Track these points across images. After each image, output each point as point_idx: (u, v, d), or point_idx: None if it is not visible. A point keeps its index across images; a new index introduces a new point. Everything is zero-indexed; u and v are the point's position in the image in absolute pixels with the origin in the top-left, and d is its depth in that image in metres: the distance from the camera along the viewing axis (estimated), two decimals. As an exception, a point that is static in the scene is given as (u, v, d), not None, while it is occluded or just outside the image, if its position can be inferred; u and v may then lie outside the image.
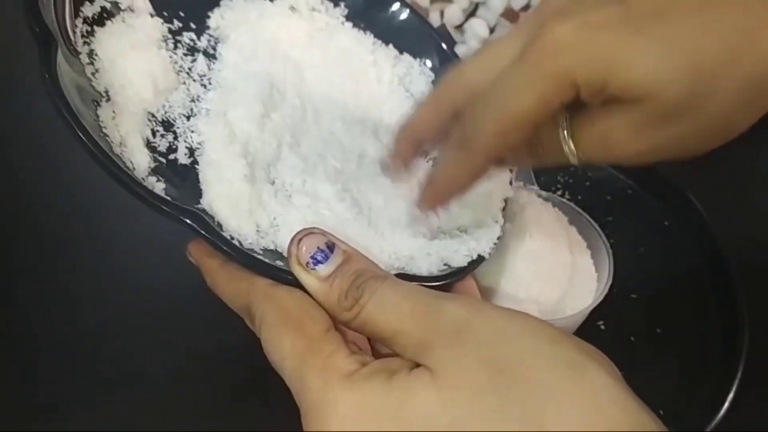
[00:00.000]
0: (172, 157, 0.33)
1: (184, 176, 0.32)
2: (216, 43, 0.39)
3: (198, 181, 0.33)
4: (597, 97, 0.27)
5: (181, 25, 0.38)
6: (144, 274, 0.50)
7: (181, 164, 0.33)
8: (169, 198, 0.29)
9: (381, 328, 0.25)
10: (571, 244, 0.45)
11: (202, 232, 0.28)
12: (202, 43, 0.38)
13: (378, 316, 0.25)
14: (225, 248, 0.29)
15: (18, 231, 0.52)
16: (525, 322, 0.25)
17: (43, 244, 0.52)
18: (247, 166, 0.33)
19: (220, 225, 0.31)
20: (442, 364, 0.24)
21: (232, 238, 0.30)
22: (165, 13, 0.37)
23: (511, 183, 0.39)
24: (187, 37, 0.38)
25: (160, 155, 0.32)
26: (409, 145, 0.33)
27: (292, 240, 0.28)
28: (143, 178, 0.30)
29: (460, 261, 0.34)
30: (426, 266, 0.33)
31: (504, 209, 0.38)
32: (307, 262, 0.27)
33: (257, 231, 0.32)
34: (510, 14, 0.69)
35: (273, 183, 0.34)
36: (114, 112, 0.31)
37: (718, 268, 0.51)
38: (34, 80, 0.28)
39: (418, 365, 0.24)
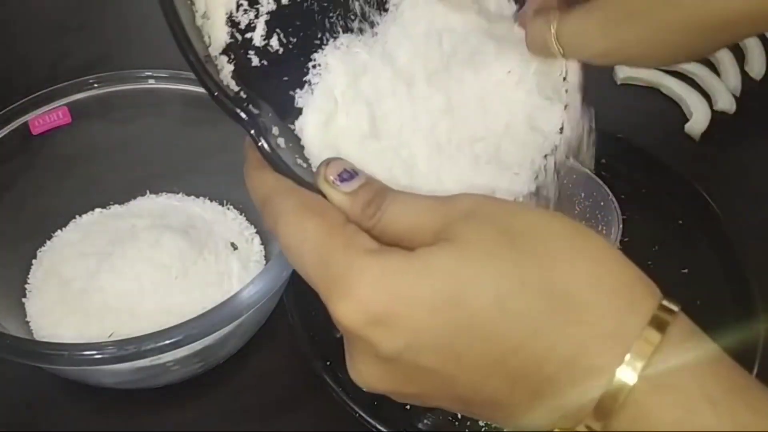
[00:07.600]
0: (248, 35, 0.32)
1: (261, 56, 0.32)
2: None
3: (280, 81, 0.32)
4: None
5: None
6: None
7: (255, 45, 0.32)
8: (232, 83, 0.30)
9: (401, 226, 0.27)
10: None
11: (249, 130, 0.29)
12: None
13: (398, 215, 0.27)
14: (266, 149, 0.29)
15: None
16: (529, 205, 0.30)
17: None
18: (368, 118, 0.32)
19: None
20: (460, 233, 0.25)
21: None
22: None
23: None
24: None
25: (238, 31, 0.32)
26: None
27: (322, 162, 0.29)
28: (215, 56, 0.30)
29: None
30: None
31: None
32: (333, 180, 0.28)
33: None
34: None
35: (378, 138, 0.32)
36: None
37: (732, 267, 0.51)
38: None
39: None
